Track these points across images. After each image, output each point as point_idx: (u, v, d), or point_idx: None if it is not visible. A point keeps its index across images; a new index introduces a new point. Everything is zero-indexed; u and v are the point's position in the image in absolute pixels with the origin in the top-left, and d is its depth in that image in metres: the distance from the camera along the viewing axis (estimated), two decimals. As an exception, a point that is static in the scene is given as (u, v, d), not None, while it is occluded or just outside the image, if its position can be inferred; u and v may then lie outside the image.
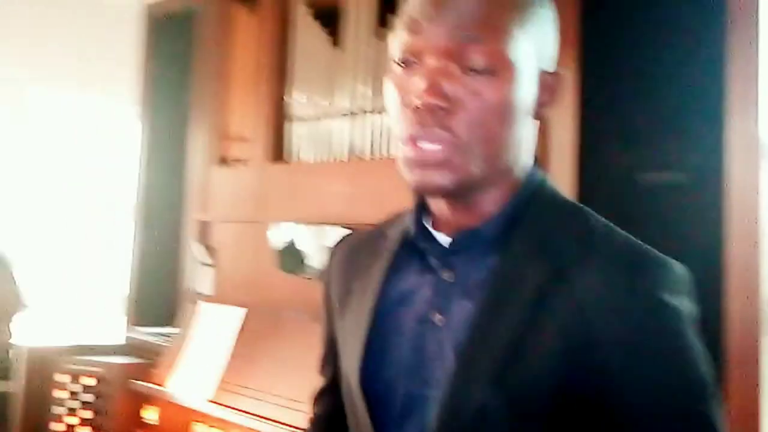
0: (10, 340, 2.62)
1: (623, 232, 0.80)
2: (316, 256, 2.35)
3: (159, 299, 2.90)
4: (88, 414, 2.33)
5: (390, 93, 0.79)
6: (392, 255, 0.85)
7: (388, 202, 2.17)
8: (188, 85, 2.95)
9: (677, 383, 0.73)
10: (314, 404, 0.97)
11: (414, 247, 0.83)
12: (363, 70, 2.32)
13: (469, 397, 0.73)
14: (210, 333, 2.27)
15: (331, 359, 0.92)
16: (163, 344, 2.46)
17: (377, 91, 2.27)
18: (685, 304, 0.75)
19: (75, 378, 2.36)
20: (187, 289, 2.79)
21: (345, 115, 2.37)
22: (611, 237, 0.78)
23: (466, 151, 0.75)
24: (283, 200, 2.52)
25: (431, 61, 0.74)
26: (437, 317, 0.79)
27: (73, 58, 4.36)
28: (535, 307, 0.73)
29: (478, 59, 0.73)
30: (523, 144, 0.80)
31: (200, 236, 2.81)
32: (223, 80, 2.81)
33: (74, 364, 2.38)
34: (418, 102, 0.73)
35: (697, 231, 1.63)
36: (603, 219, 0.82)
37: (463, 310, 0.78)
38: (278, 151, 2.60)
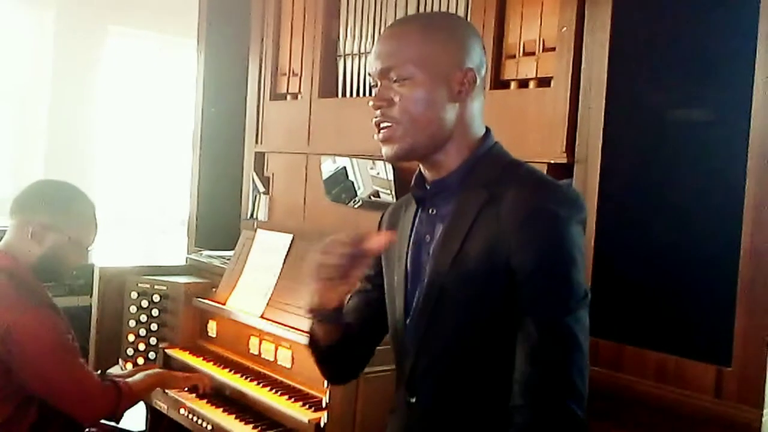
0: (88, 263, 2.88)
1: (541, 173, 1.23)
2: (362, 186, 2.48)
3: (218, 225, 3.11)
4: (155, 327, 2.58)
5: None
6: (415, 207, 1.30)
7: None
8: (246, 22, 3.06)
9: (548, 255, 1.11)
10: (354, 294, 1.38)
11: (419, 198, 1.28)
12: (409, 5, 2.38)
13: (435, 280, 1.18)
14: (262, 256, 2.46)
15: (374, 273, 1.37)
16: (222, 266, 2.66)
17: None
18: (563, 212, 1.12)
19: (144, 295, 2.60)
20: (244, 215, 2.99)
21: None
22: (529, 174, 1.20)
23: (401, 130, 1.18)
24: (332, 133, 2.65)
25: (377, 82, 1.22)
26: (426, 237, 1.25)
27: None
28: (474, 220, 1.16)
29: (395, 74, 1.19)
30: (452, 120, 1.20)
31: (256, 166, 2.98)
32: (278, 18, 2.92)
33: (143, 282, 2.62)
34: (372, 104, 1.22)
35: (721, 167, 1.67)
36: (532, 167, 1.23)
37: (439, 230, 1.22)
38: (328, 86, 2.71)
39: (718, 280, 1.64)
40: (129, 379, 2.07)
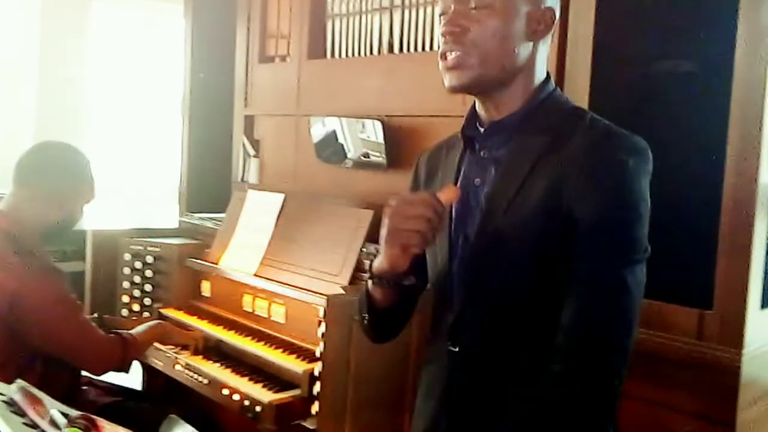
0: (83, 228, 2.90)
1: (608, 123, 1.15)
2: (352, 147, 2.50)
3: (209, 189, 3.12)
4: (149, 288, 2.61)
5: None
6: (461, 148, 1.24)
7: (419, 94, 2.31)
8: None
9: (612, 206, 1.07)
10: None
11: (468, 139, 1.22)
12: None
13: (488, 226, 1.13)
14: (254, 216, 2.48)
15: None
16: (214, 227, 2.69)
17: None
18: (633, 161, 1.08)
19: (137, 256, 2.63)
20: (234, 178, 3.01)
21: (377, 10, 2.46)
22: (595, 122, 1.14)
23: (472, 58, 1.12)
24: (321, 94, 2.66)
25: (449, 7, 1.15)
26: (476, 180, 1.19)
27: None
28: (534, 165, 1.11)
29: (475, 1, 1.12)
30: (524, 58, 1.15)
31: (246, 129, 2.99)
32: (265, -22, 2.91)
33: (136, 244, 2.64)
34: (443, 30, 1.14)
35: (705, 118, 1.71)
36: (597, 116, 1.16)
37: (491, 174, 1.17)
38: (316, 48, 2.72)
39: (699, 228, 1.69)
40: (132, 331, 2.12)
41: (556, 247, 1.07)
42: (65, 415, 0.90)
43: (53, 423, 0.88)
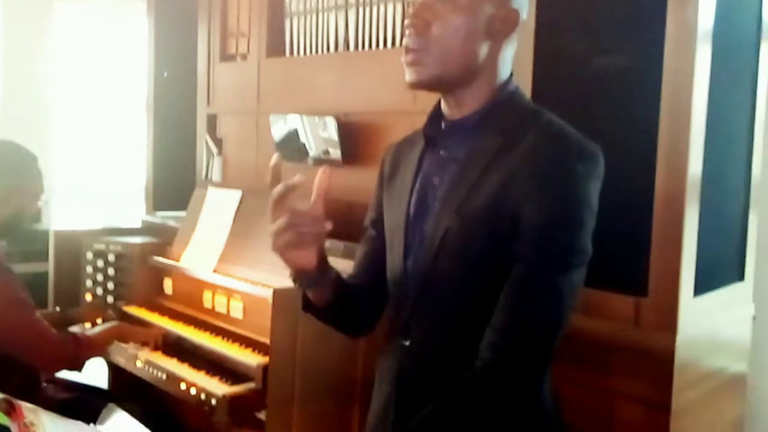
0: (46, 228, 2.92)
1: (563, 124, 1.16)
2: (314, 145, 2.54)
3: (174, 188, 3.15)
4: (112, 286, 2.64)
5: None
6: (423, 146, 1.26)
7: (373, 91, 2.36)
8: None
9: (555, 211, 1.08)
10: (362, 242, 1.38)
11: (429, 138, 1.24)
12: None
13: (441, 222, 1.15)
14: (213, 214, 2.52)
15: (377, 216, 1.33)
16: (175, 225, 2.72)
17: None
18: (580, 167, 1.09)
19: (100, 255, 2.65)
20: (199, 177, 3.04)
21: (333, 8, 2.50)
22: (551, 124, 1.15)
23: (432, 56, 1.14)
24: (281, 92, 2.70)
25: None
26: (435, 179, 1.21)
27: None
28: (487, 165, 1.12)
29: None
30: (483, 56, 1.16)
31: (209, 128, 3.02)
32: (225, -22, 2.94)
33: (98, 243, 2.67)
34: (407, 22, 1.16)
35: (640, 112, 1.76)
36: (554, 117, 1.17)
37: (449, 173, 1.18)
38: (276, 46, 2.75)
39: (635, 219, 1.74)
40: (88, 331, 2.15)
41: (502, 247, 1.09)
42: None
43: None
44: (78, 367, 2.07)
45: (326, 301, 1.22)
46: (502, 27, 1.16)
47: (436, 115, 1.24)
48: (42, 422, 0.92)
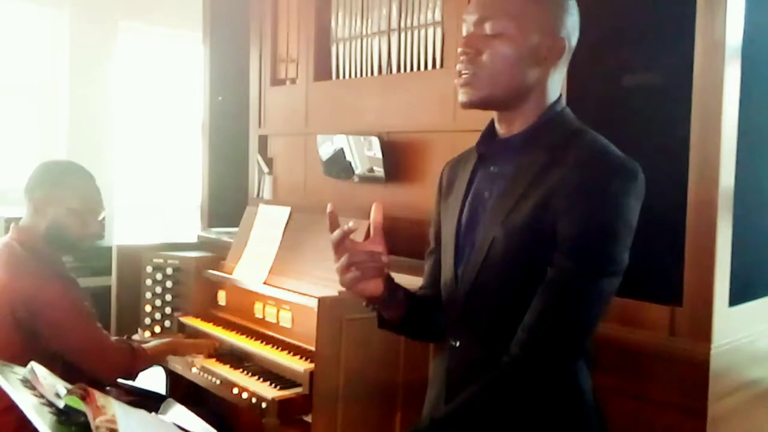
0: (110, 245, 3.10)
1: (606, 142, 1.22)
2: (359, 164, 2.66)
3: (228, 206, 3.30)
4: (169, 297, 2.79)
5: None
6: (474, 162, 1.35)
7: (414, 111, 2.46)
8: (246, 14, 3.25)
9: (587, 224, 1.14)
10: (426, 256, 1.47)
11: (481, 155, 1.33)
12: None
13: (489, 233, 1.23)
14: (264, 229, 2.65)
15: (437, 230, 1.41)
16: (229, 240, 2.86)
17: (404, 11, 2.52)
18: (617, 182, 1.15)
19: (158, 269, 2.81)
20: (251, 195, 3.19)
21: (376, 33, 2.63)
22: (593, 142, 1.22)
23: (483, 79, 1.22)
24: (328, 114, 2.83)
25: (469, 29, 1.27)
26: (485, 193, 1.29)
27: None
28: (532, 181, 1.20)
29: (489, 27, 1.23)
30: (532, 81, 1.24)
31: (260, 148, 3.18)
32: (275, 8, 3.11)
33: (157, 258, 2.83)
34: (460, 50, 1.26)
35: (671, 127, 1.81)
36: (599, 136, 1.24)
37: (498, 187, 1.27)
38: (323, 70, 2.89)
39: (668, 230, 1.79)
40: (145, 344, 2.29)
41: (543, 257, 1.15)
42: (66, 388, 1.07)
43: (57, 395, 1.05)
44: (132, 377, 2.19)
45: (399, 317, 1.34)
46: (548, 54, 1.24)
47: (490, 133, 1.33)
48: (112, 405, 1.03)
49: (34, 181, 2.18)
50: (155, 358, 2.32)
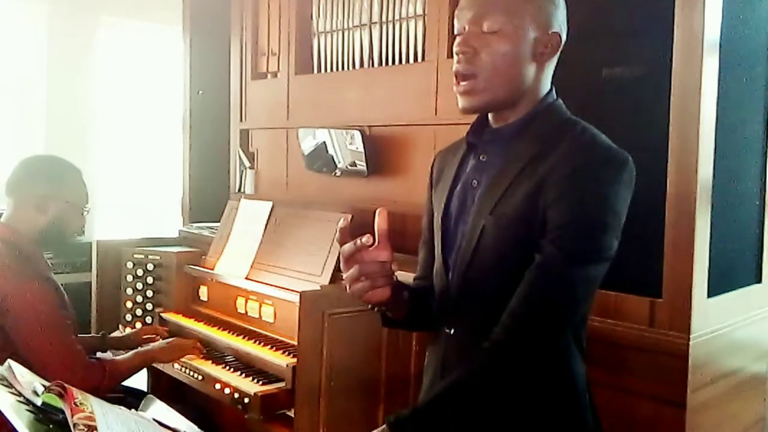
0: (89, 241, 3.06)
1: (596, 132, 1.23)
2: (342, 158, 2.65)
3: (210, 200, 3.28)
4: (150, 293, 2.77)
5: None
6: (464, 151, 1.36)
7: (398, 104, 2.46)
8: (226, 8, 3.22)
9: (577, 211, 1.15)
10: (420, 246, 1.47)
11: (471, 145, 1.34)
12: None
13: (478, 222, 1.24)
14: (245, 224, 2.64)
15: (429, 221, 1.42)
16: (210, 235, 2.85)
17: (386, 3, 2.51)
18: (606, 172, 1.16)
19: (139, 264, 2.79)
20: (232, 189, 3.17)
21: (357, 27, 2.62)
22: (584, 133, 1.23)
23: (482, 83, 1.22)
24: (310, 107, 2.82)
25: (464, 28, 1.25)
26: (474, 182, 1.30)
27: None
28: (522, 170, 1.20)
29: (486, 24, 1.22)
30: (530, 79, 1.25)
31: (241, 143, 3.16)
32: (256, 1, 3.08)
33: (138, 253, 2.81)
34: (456, 49, 1.25)
35: (651, 119, 1.82)
36: (589, 126, 1.24)
37: (487, 177, 1.27)
38: (304, 64, 2.88)
39: (649, 223, 1.79)
40: (117, 357, 2.19)
41: (533, 246, 1.16)
42: (43, 385, 1.05)
43: (34, 392, 1.04)
44: (98, 394, 2.09)
45: (403, 315, 1.34)
46: (545, 50, 1.25)
47: (481, 123, 1.33)
48: (90, 402, 1.02)
49: (31, 179, 2.13)
50: (128, 373, 2.17)
